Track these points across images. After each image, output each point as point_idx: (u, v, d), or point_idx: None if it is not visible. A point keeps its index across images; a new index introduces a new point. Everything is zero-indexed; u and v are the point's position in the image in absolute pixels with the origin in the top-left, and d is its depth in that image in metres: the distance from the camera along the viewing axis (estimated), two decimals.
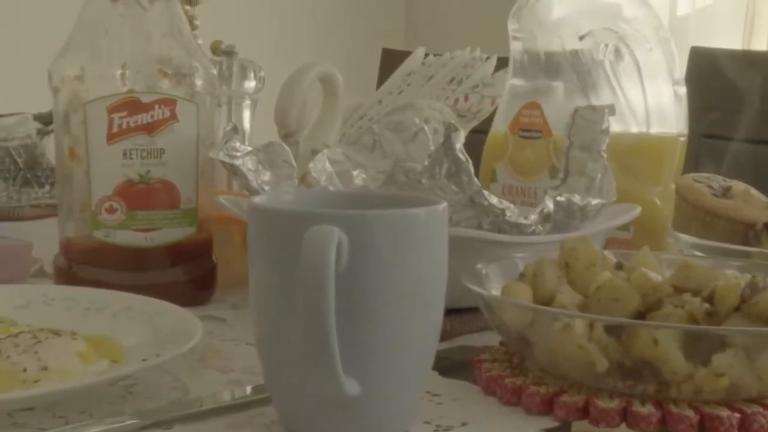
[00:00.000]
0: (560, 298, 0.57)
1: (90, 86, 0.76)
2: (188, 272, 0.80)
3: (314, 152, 0.96)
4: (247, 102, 1.06)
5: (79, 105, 0.76)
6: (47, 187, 1.28)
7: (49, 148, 1.28)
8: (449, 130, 0.65)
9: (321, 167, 0.87)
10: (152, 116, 0.76)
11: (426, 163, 0.67)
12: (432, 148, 0.90)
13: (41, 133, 1.26)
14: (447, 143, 0.65)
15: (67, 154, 0.78)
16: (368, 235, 0.46)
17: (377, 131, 0.92)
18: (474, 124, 1.06)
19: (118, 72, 0.76)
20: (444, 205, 0.50)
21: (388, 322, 0.48)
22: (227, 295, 0.83)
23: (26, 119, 1.24)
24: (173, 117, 0.77)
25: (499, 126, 0.97)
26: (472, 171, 0.66)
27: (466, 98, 1.03)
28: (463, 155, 0.65)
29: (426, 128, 0.90)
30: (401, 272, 0.48)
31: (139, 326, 0.67)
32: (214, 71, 0.80)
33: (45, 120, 1.28)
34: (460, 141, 0.65)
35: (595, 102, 0.92)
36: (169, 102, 0.77)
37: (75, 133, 0.77)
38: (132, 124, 0.76)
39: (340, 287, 0.45)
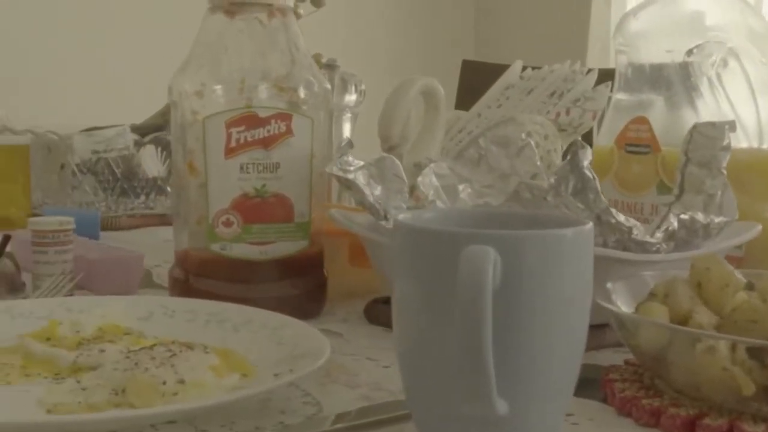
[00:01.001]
0: (697, 319, 0.56)
1: (209, 101, 0.77)
2: (300, 286, 0.81)
3: (417, 166, 0.96)
4: (348, 115, 1.07)
5: (197, 119, 0.77)
6: (143, 198, 1.31)
7: (144, 159, 1.31)
8: (575, 146, 0.65)
9: (429, 182, 0.87)
10: (269, 131, 0.77)
11: (552, 180, 0.66)
12: (538, 163, 0.89)
13: (138, 145, 1.29)
14: (574, 160, 0.65)
15: (184, 167, 0.79)
16: (520, 254, 0.46)
17: (483, 145, 0.92)
18: (574, 137, 1.05)
19: (237, 87, 0.77)
20: (590, 225, 0.50)
21: (537, 341, 0.48)
22: (336, 309, 0.84)
23: (124, 131, 1.26)
24: (289, 131, 0.78)
25: (604, 141, 0.96)
26: (599, 188, 0.65)
27: (567, 112, 1.03)
28: (590, 172, 0.65)
29: (532, 143, 0.89)
30: (551, 292, 0.47)
31: (261, 340, 0.68)
32: (329, 86, 0.80)
33: (141, 132, 1.30)
34: (587, 158, 0.65)
35: (705, 117, 0.91)
36: (285, 117, 0.78)
37: (193, 147, 0.78)
38: (249, 139, 0.77)
39: (492, 306, 0.44)
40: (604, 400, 0.60)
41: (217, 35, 0.78)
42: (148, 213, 1.29)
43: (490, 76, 1.47)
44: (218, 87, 0.77)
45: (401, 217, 0.51)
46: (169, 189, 1.32)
